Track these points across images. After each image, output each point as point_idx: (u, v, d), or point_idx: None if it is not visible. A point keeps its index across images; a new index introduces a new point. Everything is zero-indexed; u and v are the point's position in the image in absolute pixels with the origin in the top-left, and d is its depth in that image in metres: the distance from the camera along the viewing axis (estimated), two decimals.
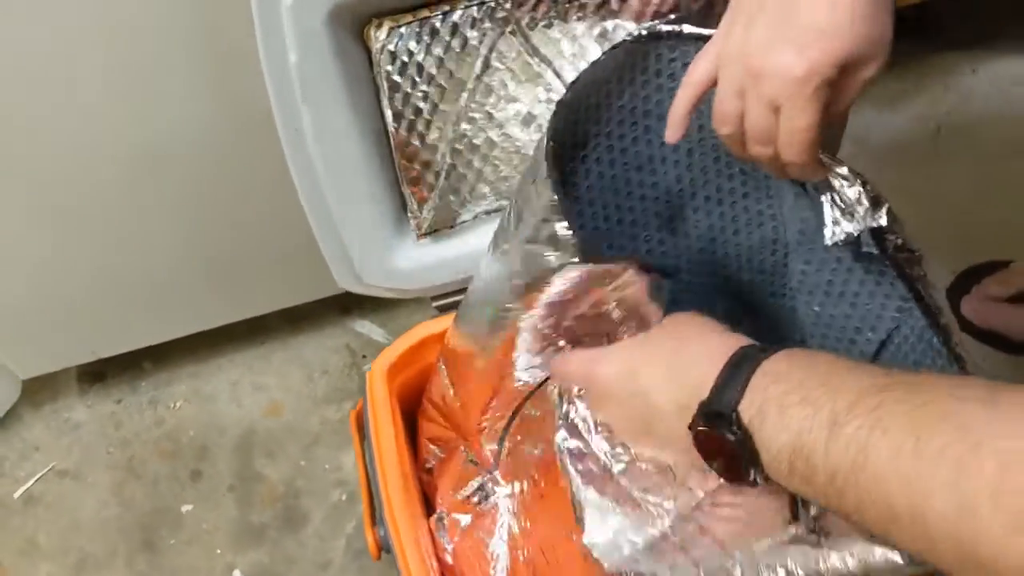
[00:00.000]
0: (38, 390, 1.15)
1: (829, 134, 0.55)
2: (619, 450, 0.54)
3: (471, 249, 0.79)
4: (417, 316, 1.17)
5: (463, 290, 0.82)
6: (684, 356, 0.51)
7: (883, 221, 0.56)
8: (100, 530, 1.06)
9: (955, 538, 0.39)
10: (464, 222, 0.79)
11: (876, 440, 0.41)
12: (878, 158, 1.27)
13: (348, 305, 1.19)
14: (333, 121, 0.69)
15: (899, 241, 0.59)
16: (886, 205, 0.56)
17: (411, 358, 0.79)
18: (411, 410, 0.81)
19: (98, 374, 1.16)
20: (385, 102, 0.70)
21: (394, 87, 0.69)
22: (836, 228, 0.57)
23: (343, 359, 1.16)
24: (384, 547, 0.74)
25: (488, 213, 0.79)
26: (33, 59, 0.76)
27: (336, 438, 1.11)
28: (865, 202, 0.55)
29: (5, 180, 0.86)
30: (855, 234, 0.57)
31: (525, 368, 0.61)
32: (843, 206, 0.57)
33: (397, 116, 0.71)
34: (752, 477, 0.47)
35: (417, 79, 0.69)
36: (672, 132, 0.59)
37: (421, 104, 0.71)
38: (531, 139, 0.76)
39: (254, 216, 0.98)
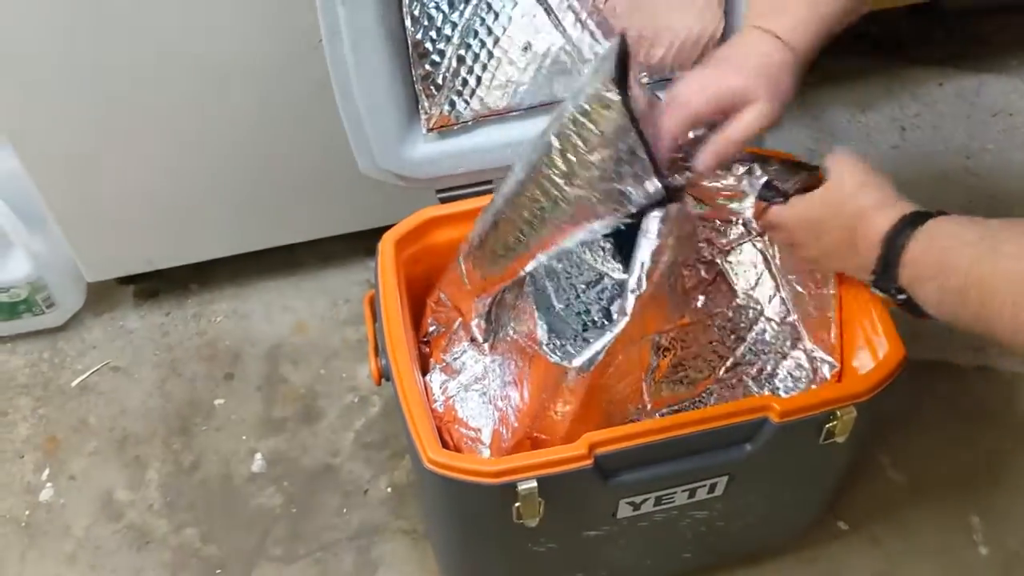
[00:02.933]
0: (99, 301, 1.32)
1: None
2: None
3: (474, 145, 0.95)
4: None
5: (466, 185, 0.99)
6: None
7: None
8: (143, 416, 1.22)
9: None
10: (467, 123, 0.95)
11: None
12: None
13: (371, 247, 1.35)
14: (363, 21, 0.86)
15: None
16: None
17: (415, 234, 0.95)
18: (409, 278, 0.96)
19: (151, 292, 1.34)
20: (405, 9, 0.88)
21: None
22: None
23: (364, 291, 1.32)
24: (385, 375, 0.89)
25: (488, 117, 0.95)
26: None
27: (353, 353, 1.26)
28: None
29: (86, 97, 1.05)
30: None
31: None
32: None
33: (414, 21, 0.88)
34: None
35: None
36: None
37: (434, 12, 0.88)
38: (524, 57, 0.93)
39: (299, 145, 1.16)
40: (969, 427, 1.18)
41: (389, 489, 1.15)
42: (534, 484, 0.78)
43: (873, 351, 0.86)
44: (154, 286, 1.34)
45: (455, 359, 0.96)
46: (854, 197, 0.75)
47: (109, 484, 1.16)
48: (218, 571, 1.09)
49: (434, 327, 0.97)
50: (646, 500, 0.86)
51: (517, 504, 0.79)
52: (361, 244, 1.31)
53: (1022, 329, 0.61)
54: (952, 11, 1.52)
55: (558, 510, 0.82)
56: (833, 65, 1.52)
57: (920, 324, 1.21)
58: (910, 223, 0.70)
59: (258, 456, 1.18)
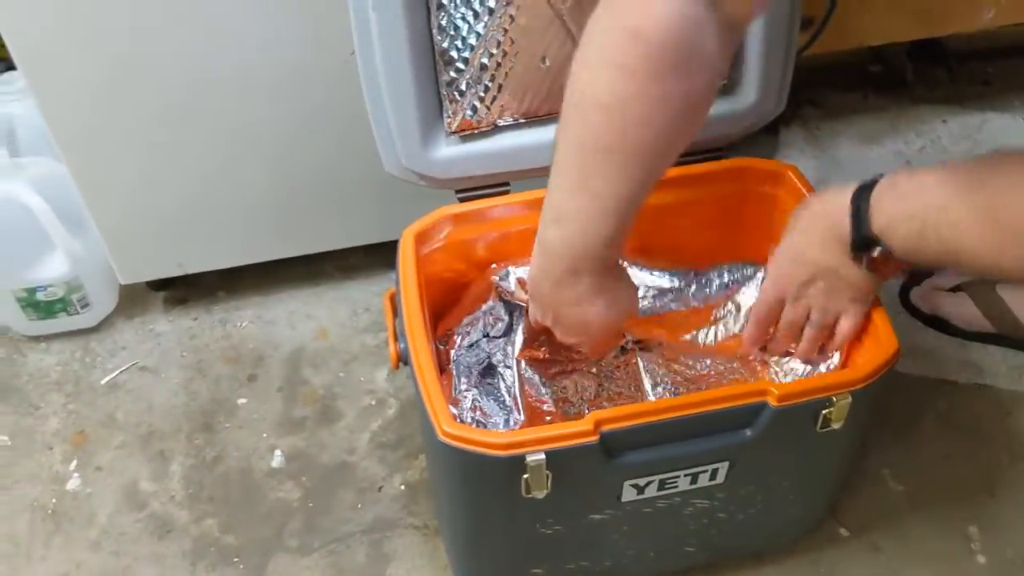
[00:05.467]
0: (131, 307, 1.38)
1: None
2: None
3: (493, 149, 1.01)
4: None
5: (484, 186, 1.05)
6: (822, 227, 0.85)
7: None
8: (168, 413, 1.27)
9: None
10: (489, 128, 1.01)
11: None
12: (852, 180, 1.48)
13: (392, 260, 1.40)
14: (393, 30, 0.93)
15: None
16: None
17: (434, 229, 1.00)
18: (428, 277, 1.01)
19: (181, 299, 1.39)
20: (433, 19, 0.94)
21: (440, 7, 0.94)
22: None
23: (384, 302, 1.37)
24: (403, 359, 0.94)
25: (507, 122, 1.01)
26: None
27: (372, 358, 1.31)
28: None
29: (132, 108, 1.12)
30: None
31: None
32: None
33: (441, 30, 0.95)
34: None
35: (459, 2, 0.94)
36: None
37: (459, 23, 0.95)
38: (541, 67, 0.99)
39: (327, 157, 1.22)
40: (967, 442, 1.21)
41: (403, 487, 1.18)
42: (542, 456, 0.82)
43: (869, 344, 0.90)
44: (183, 293, 1.39)
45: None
46: (806, 206, 0.86)
47: (133, 476, 1.21)
48: (235, 559, 1.13)
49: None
50: (650, 483, 0.89)
51: (526, 476, 0.83)
52: (383, 258, 1.37)
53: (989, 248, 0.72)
54: (954, 53, 1.58)
55: (565, 487, 0.86)
56: (840, 101, 1.59)
57: (921, 344, 1.26)
58: (867, 186, 0.80)
59: (277, 452, 1.22)
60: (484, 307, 1.04)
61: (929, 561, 1.11)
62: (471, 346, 1.04)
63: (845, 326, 0.91)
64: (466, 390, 1.01)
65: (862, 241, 0.81)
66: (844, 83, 1.58)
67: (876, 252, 0.81)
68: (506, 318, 1.04)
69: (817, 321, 0.92)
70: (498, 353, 1.04)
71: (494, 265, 1.05)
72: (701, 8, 0.68)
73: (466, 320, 1.05)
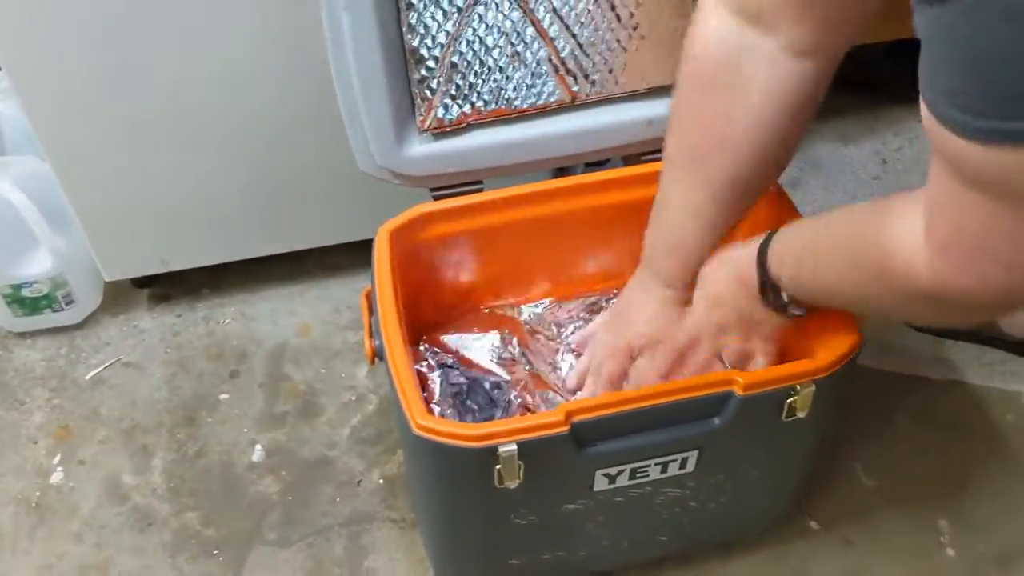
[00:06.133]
0: (116, 304, 1.40)
1: None
2: None
3: (466, 147, 1.03)
4: None
5: (459, 184, 1.06)
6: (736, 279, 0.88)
7: None
8: (151, 407, 1.28)
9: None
10: (461, 126, 1.03)
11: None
12: (832, 181, 1.51)
13: None
14: (364, 27, 0.94)
15: None
16: None
17: (408, 227, 1.02)
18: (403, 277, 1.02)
19: (164, 296, 1.41)
20: (403, 17, 0.96)
21: (410, 6, 0.95)
22: None
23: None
24: (378, 354, 0.96)
25: (479, 120, 1.03)
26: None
27: (353, 355, 1.33)
28: None
29: (114, 106, 1.14)
30: None
31: None
32: None
33: (411, 29, 0.97)
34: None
35: (428, 1, 0.96)
36: None
37: (429, 21, 0.97)
38: (512, 64, 1.01)
39: (308, 155, 1.24)
40: (939, 437, 1.23)
41: (381, 481, 1.20)
42: (514, 447, 0.84)
43: (831, 335, 0.92)
44: (167, 290, 1.41)
45: None
46: (720, 257, 0.90)
47: (116, 469, 1.22)
48: (215, 552, 1.14)
49: None
50: (621, 472, 0.91)
51: (498, 467, 0.85)
52: (365, 255, 1.36)
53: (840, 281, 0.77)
54: None
55: (537, 477, 0.87)
56: None
57: (895, 341, 1.28)
58: (773, 232, 0.84)
59: (258, 447, 1.24)
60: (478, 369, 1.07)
61: (899, 554, 1.13)
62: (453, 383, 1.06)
63: (759, 367, 0.93)
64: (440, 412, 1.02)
65: (765, 284, 0.85)
66: None
67: (779, 294, 0.84)
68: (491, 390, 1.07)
69: (730, 364, 0.94)
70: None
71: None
72: (747, 35, 0.78)
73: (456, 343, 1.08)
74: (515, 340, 1.08)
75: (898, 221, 0.67)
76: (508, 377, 1.05)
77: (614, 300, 1.08)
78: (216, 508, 1.18)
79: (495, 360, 1.07)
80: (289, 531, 1.16)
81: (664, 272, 0.93)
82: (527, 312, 1.13)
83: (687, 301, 0.93)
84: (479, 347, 1.08)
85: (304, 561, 1.13)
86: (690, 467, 0.93)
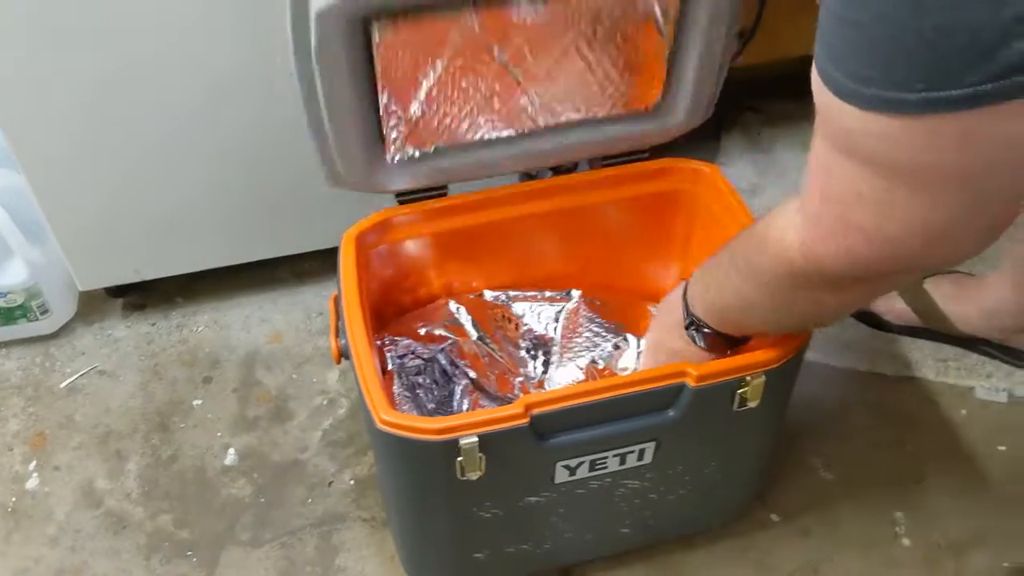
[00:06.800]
0: (90, 313, 1.42)
1: None
2: None
3: (437, 167, 1.03)
4: None
5: (427, 189, 1.09)
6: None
7: None
8: (125, 414, 1.30)
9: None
10: (429, 151, 1.04)
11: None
12: (792, 187, 1.55)
13: None
14: (336, 78, 0.93)
15: None
16: None
17: (374, 231, 1.05)
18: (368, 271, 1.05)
19: (139, 305, 1.43)
20: (378, 71, 0.96)
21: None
22: None
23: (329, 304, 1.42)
24: (344, 354, 0.98)
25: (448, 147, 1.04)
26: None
27: (324, 360, 1.35)
28: None
29: (87, 116, 1.17)
30: None
31: None
32: None
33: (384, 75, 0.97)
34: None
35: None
36: None
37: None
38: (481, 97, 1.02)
39: (280, 164, 1.26)
40: (895, 431, 1.27)
41: (352, 481, 1.22)
42: (475, 439, 0.87)
43: None
44: (141, 300, 1.43)
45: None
46: (663, 302, 0.99)
47: (91, 475, 1.24)
48: (189, 553, 1.16)
49: None
50: (581, 464, 0.94)
51: (460, 459, 0.88)
52: (335, 263, 1.40)
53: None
54: None
55: (499, 469, 0.90)
56: (780, 107, 1.65)
57: (852, 339, 1.32)
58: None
59: (231, 451, 1.26)
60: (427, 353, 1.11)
61: (856, 545, 1.17)
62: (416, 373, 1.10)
63: None
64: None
65: (690, 322, 0.91)
66: (783, 90, 1.64)
67: (704, 330, 0.90)
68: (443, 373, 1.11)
69: None
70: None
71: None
72: None
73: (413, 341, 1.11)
74: (464, 309, 1.14)
75: (778, 212, 0.72)
76: (455, 338, 1.11)
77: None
78: (190, 511, 1.20)
79: (446, 324, 1.12)
80: (262, 532, 1.18)
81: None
82: (489, 296, 1.17)
83: None
84: (432, 309, 1.14)
85: (277, 560, 1.16)
86: (648, 458, 0.96)
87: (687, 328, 0.92)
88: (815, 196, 0.65)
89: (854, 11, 0.52)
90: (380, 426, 0.88)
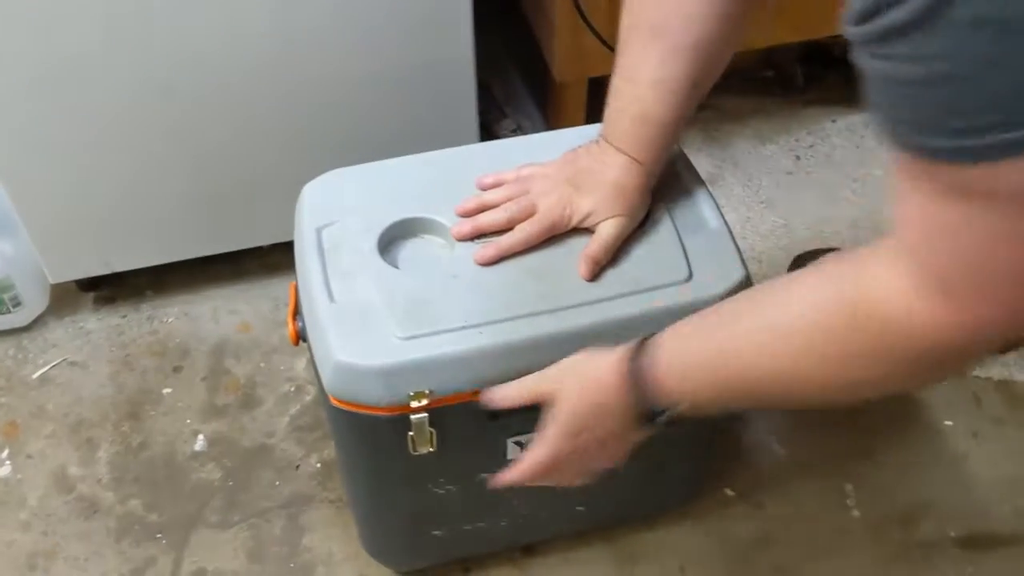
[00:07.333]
0: (62, 307, 1.45)
1: None
2: None
3: None
4: None
5: None
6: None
7: None
8: (96, 403, 1.33)
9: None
10: None
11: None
12: (749, 175, 1.59)
13: None
14: None
15: None
16: None
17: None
18: None
19: (109, 298, 1.46)
20: None
21: None
22: None
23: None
24: (302, 336, 1.01)
25: None
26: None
27: (292, 349, 1.38)
28: None
29: (56, 109, 1.20)
30: None
31: None
32: None
33: None
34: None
35: None
36: None
37: None
38: None
39: (247, 157, 1.30)
40: (847, 409, 1.30)
41: (319, 465, 1.26)
42: (424, 415, 0.90)
43: None
44: (112, 293, 1.46)
45: None
46: (576, 384, 0.81)
47: (62, 462, 1.27)
48: (158, 535, 1.20)
49: None
50: (532, 440, 0.97)
51: (411, 433, 0.91)
52: None
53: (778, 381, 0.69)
54: (841, 58, 1.69)
55: (450, 444, 0.93)
56: (737, 104, 1.69)
57: None
58: (637, 350, 0.75)
59: (200, 437, 1.29)
60: None
61: (808, 516, 1.21)
62: None
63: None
64: None
65: (650, 409, 0.76)
66: (740, 88, 1.68)
67: (662, 413, 0.76)
68: None
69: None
70: None
71: None
72: None
73: None
74: None
75: (870, 278, 0.60)
76: None
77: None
78: (160, 495, 1.23)
79: None
80: (230, 514, 1.21)
81: (631, 144, 0.90)
82: None
83: (648, 177, 0.92)
84: None
85: (245, 541, 1.19)
86: None
87: (640, 412, 0.77)
88: (941, 259, 0.56)
89: (964, 67, 0.46)
90: (334, 403, 0.91)
